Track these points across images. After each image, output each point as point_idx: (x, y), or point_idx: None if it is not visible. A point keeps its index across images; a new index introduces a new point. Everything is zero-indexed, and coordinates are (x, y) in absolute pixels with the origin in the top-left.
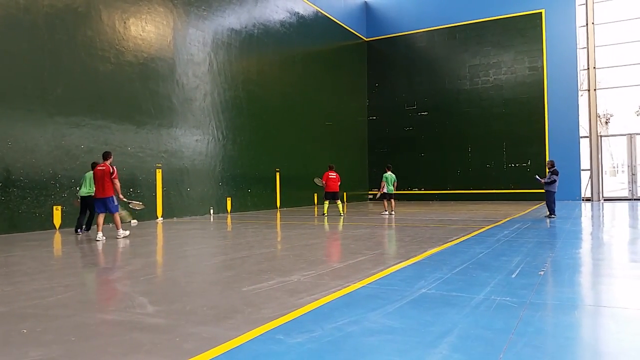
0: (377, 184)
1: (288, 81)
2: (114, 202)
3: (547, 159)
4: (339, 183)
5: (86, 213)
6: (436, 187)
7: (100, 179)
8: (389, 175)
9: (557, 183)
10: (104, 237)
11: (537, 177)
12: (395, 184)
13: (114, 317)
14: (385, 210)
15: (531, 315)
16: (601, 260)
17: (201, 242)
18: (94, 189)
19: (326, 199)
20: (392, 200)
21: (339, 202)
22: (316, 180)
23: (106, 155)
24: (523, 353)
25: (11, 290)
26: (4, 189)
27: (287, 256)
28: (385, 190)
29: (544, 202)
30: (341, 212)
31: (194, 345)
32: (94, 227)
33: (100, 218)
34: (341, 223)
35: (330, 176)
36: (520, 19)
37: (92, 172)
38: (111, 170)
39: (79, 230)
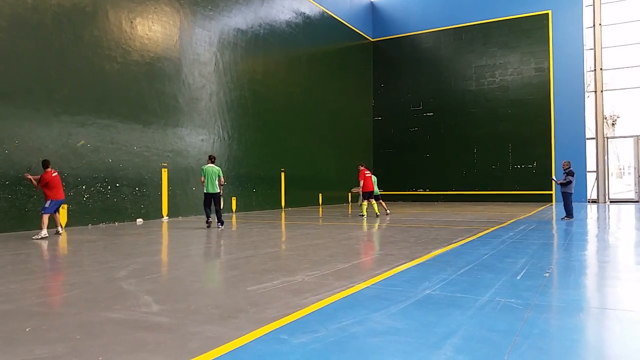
0: (382, 184)
1: (293, 81)
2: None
3: (552, 160)
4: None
5: (211, 205)
6: (441, 188)
7: (60, 184)
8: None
9: (573, 184)
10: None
11: (553, 178)
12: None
13: (119, 316)
14: (364, 213)
15: (536, 317)
16: (607, 263)
17: (206, 242)
18: (212, 184)
19: (365, 199)
20: (381, 201)
21: (373, 201)
22: (354, 190)
23: (48, 164)
24: (527, 355)
25: (17, 288)
26: (11, 187)
27: (291, 256)
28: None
29: (550, 204)
30: (364, 212)
31: (199, 344)
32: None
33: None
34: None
35: (367, 174)
36: (527, 20)
37: (210, 166)
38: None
39: (209, 220)
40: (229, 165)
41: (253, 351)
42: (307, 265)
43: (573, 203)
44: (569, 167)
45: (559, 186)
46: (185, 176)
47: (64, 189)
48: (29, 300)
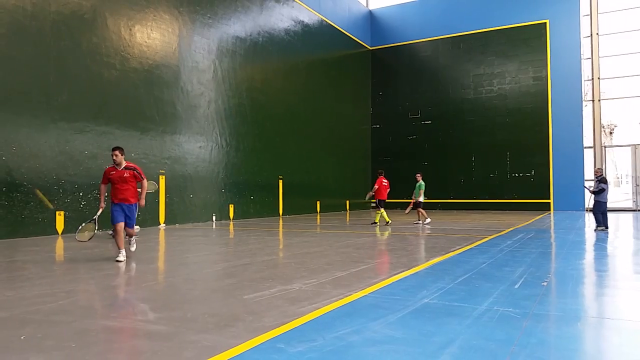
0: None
1: (292, 89)
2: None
3: (550, 168)
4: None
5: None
6: (439, 196)
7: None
8: (423, 183)
9: (606, 192)
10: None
11: (585, 187)
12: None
13: (115, 324)
14: (427, 218)
15: (534, 326)
16: (605, 272)
17: (203, 249)
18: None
19: (382, 206)
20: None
21: (382, 210)
22: (368, 197)
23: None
24: None
25: (13, 296)
26: (8, 193)
27: (288, 264)
28: (421, 199)
29: (548, 213)
30: (377, 220)
31: (195, 353)
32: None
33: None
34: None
35: (384, 183)
36: (525, 29)
37: None
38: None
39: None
40: (227, 172)
41: None
42: (305, 274)
43: (570, 211)
44: (601, 175)
45: (592, 195)
46: (183, 183)
47: (61, 196)
48: (24, 307)
